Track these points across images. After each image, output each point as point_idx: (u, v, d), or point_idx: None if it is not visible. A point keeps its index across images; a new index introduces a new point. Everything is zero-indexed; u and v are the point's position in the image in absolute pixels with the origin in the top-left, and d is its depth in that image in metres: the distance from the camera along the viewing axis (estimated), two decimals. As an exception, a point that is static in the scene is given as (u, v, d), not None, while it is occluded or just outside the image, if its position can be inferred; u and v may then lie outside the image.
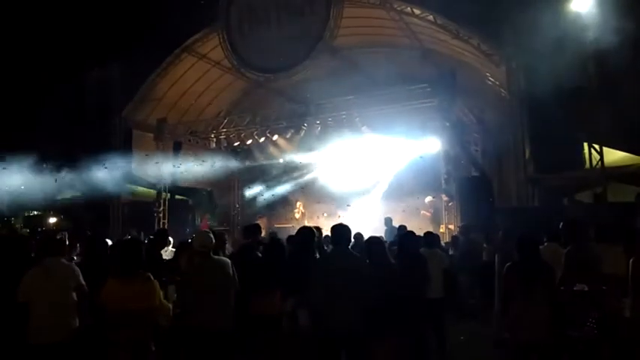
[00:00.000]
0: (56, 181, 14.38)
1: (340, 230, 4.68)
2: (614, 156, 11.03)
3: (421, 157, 14.31)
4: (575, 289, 4.32)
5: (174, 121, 16.61)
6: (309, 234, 5.32)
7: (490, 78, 13.40)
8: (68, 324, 4.14)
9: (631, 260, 2.77)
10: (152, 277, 4.01)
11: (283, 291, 4.95)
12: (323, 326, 4.41)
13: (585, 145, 10.13)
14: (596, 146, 9.99)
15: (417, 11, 12.12)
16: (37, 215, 18.54)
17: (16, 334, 4.10)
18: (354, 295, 4.34)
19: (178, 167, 16.38)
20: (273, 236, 8.29)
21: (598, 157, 10.02)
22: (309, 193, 18.13)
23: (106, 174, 15.14)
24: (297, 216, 17.56)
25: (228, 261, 4.75)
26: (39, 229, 14.65)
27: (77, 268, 4.43)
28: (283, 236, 7.91)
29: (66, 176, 14.85)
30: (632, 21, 8.76)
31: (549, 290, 4.36)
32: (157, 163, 16.29)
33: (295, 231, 5.77)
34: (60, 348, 4.01)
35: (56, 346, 4.01)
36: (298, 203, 17.98)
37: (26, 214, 19.04)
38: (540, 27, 9.26)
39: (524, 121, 10.77)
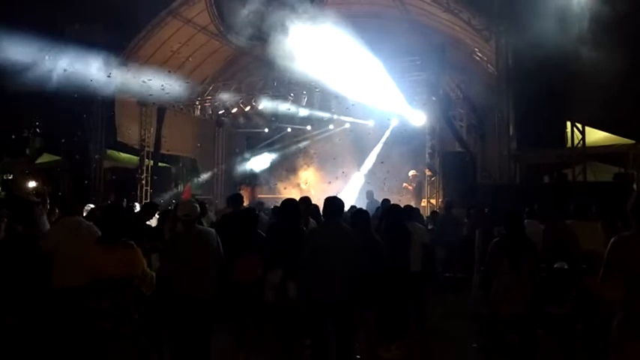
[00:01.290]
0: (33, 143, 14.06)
1: (333, 203, 4.70)
2: (595, 136, 11.20)
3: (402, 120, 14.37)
4: (555, 266, 4.43)
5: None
6: (293, 205, 5.31)
7: (478, 53, 13.37)
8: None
9: (612, 239, 2.84)
10: (135, 245, 3.99)
11: (266, 261, 4.97)
12: (312, 296, 4.48)
13: (568, 123, 10.25)
14: (579, 125, 10.11)
15: (407, -18, 11.96)
16: (15, 179, 18.23)
17: (41, 280, 4.73)
18: (343, 268, 4.40)
19: (162, 134, 16.20)
20: (259, 207, 8.27)
21: (580, 136, 10.15)
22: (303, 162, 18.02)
23: (88, 138, 14.91)
24: (305, 187, 17.32)
25: (213, 231, 4.74)
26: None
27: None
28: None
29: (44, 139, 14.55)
30: (621, 4, 8.77)
31: (533, 267, 4.47)
32: (140, 128, 16.07)
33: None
34: (79, 291, 4.22)
35: (76, 290, 4.28)
36: (305, 174, 17.76)
37: (4, 177, 18.74)
38: (531, 5, 9.23)
39: (510, 98, 10.82)
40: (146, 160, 16.34)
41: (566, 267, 4.42)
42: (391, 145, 15.97)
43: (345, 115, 16.10)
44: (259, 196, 17.47)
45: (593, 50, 8.87)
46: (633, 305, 2.69)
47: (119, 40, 15.18)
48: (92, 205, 8.13)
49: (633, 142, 11.73)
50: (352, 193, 15.34)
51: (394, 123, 15.72)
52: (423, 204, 13.31)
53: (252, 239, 5.09)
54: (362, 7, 14.90)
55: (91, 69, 13.50)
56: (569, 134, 10.29)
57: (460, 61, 14.20)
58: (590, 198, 6.62)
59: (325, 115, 15.87)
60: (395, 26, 14.25)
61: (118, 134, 15.78)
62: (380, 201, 9.25)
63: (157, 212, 7.23)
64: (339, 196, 4.98)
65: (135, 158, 16.94)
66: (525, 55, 9.73)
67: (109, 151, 16.93)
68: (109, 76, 13.60)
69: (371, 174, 16.14)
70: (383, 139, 16.40)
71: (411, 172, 14.79)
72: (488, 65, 12.73)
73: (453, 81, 14.36)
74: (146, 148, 16.34)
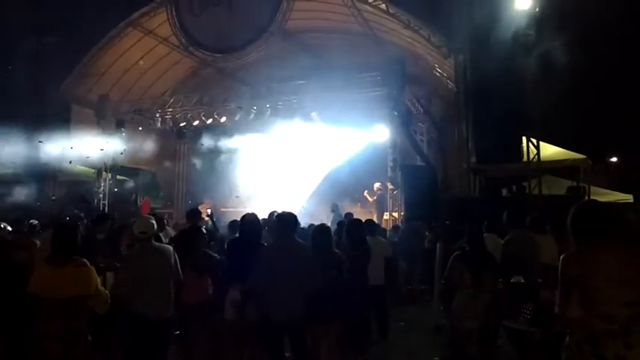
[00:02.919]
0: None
1: (286, 219, 4.66)
2: (549, 150, 11.62)
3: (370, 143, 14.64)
4: (512, 280, 4.52)
5: (117, 98, 15.93)
6: (253, 219, 5.24)
7: (438, 69, 13.67)
8: None
9: (561, 257, 2.89)
10: (88, 264, 3.81)
11: (227, 278, 4.88)
12: (267, 314, 4.41)
13: (524, 138, 10.57)
14: (534, 140, 10.44)
15: (369, -1, 12.14)
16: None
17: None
18: (298, 283, 4.36)
19: (121, 146, 15.78)
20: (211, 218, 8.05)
21: (535, 150, 10.48)
22: None
23: (41, 151, 14.36)
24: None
25: (170, 248, 4.61)
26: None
27: None
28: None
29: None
30: (572, 19, 9.17)
31: (493, 280, 4.55)
32: (97, 140, 15.62)
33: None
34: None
35: None
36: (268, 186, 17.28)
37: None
38: (488, 24, 9.52)
39: (469, 113, 11.08)
40: (104, 173, 15.88)
41: (522, 281, 4.51)
42: (353, 158, 16.05)
43: (308, 128, 16.09)
44: (222, 209, 17.17)
45: (546, 69, 9.23)
46: (590, 323, 2.71)
47: (76, 51, 14.82)
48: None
49: (584, 156, 12.25)
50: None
51: (356, 137, 15.84)
52: (385, 217, 13.42)
53: (196, 257, 4.99)
54: (324, 22, 15.04)
55: (47, 80, 13.10)
56: (524, 148, 10.61)
57: (421, 76, 14.49)
58: (546, 211, 6.82)
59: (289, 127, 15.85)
60: (357, 42, 14.44)
61: (72, 147, 15.27)
62: (344, 214, 9.28)
63: (111, 225, 7.00)
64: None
65: (92, 171, 16.42)
66: (482, 72, 10.00)
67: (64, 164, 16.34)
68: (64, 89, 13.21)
69: (334, 188, 16.11)
70: (345, 152, 16.46)
71: (376, 185, 14.88)
72: (448, 81, 13.02)
73: (414, 96, 14.62)
74: (104, 161, 15.88)
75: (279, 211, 6.36)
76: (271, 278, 4.39)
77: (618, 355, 2.60)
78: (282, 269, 4.39)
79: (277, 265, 4.40)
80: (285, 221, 4.66)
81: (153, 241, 4.50)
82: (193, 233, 5.35)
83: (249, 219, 5.15)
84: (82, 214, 11.85)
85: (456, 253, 4.82)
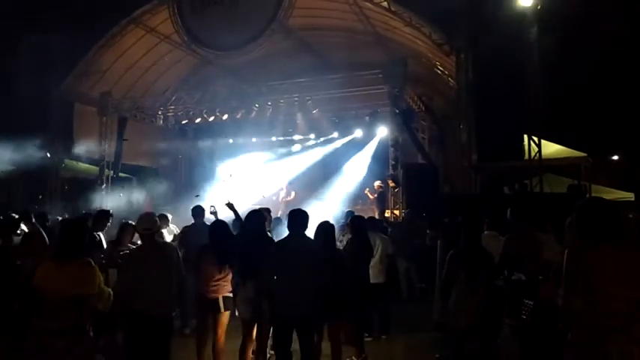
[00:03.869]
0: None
1: (297, 215, 4.67)
2: (550, 149, 11.64)
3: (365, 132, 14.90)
4: (512, 278, 4.54)
5: (119, 96, 15.95)
6: (260, 217, 5.28)
7: (439, 67, 13.68)
8: None
9: (566, 251, 2.91)
10: (92, 262, 3.83)
11: (239, 275, 4.91)
12: (278, 308, 4.45)
13: (525, 136, 10.59)
14: (535, 138, 10.46)
15: (371, -4, 12.15)
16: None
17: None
18: (308, 282, 4.38)
19: (123, 143, 15.84)
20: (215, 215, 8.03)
21: (536, 148, 10.50)
22: None
23: (44, 148, 14.41)
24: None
25: (173, 245, 4.65)
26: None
27: None
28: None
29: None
30: (573, 16, 9.18)
31: (489, 278, 4.56)
32: (100, 138, 15.68)
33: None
34: None
35: None
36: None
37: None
38: (489, 19, 9.54)
39: (470, 111, 11.10)
40: (106, 170, 15.92)
41: (523, 279, 4.53)
42: (355, 157, 16.07)
43: (310, 126, 16.15)
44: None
45: (548, 66, 9.23)
46: (592, 319, 2.73)
47: (78, 49, 14.84)
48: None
49: (585, 154, 12.26)
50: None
51: (358, 135, 15.88)
52: (386, 215, 13.42)
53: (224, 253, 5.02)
54: (326, 20, 15.03)
55: (49, 79, 13.10)
56: (526, 146, 10.63)
57: (422, 74, 14.50)
58: (547, 209, 6.82)
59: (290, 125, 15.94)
60: (358, 40, 14.45)
61: (75, 145, 15.33)
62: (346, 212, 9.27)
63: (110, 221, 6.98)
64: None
65: (94, 168, 16.47)
66: (484, 70, 10.03)
67: (68, 161, 16.41)
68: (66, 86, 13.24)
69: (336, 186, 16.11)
70: (348, 152, 16.47)
71: (377, 183, 14.88)
72: (449, 79, 13.04)
73: (416, 93, 14.64)
74: (106, 159, 15.93)
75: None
76: (281, 276, 4.42)
77: (623, 350, 2.62)
78: (292, 267, 4.41)
79: (287, 263, 4.43)
80: (296, 218, 4.65)
81: (156, 238, 4.53)
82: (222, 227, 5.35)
83: (256, 215, 5.15)
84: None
85: (452, 251, 4.84)
